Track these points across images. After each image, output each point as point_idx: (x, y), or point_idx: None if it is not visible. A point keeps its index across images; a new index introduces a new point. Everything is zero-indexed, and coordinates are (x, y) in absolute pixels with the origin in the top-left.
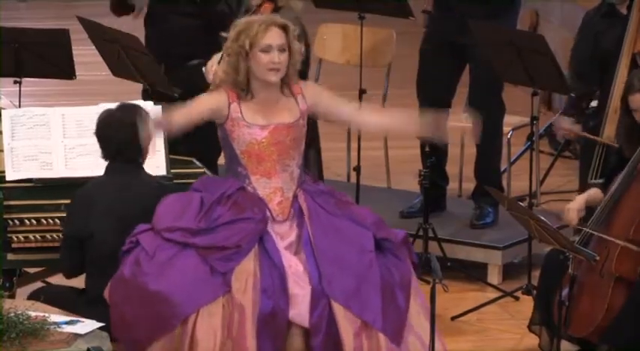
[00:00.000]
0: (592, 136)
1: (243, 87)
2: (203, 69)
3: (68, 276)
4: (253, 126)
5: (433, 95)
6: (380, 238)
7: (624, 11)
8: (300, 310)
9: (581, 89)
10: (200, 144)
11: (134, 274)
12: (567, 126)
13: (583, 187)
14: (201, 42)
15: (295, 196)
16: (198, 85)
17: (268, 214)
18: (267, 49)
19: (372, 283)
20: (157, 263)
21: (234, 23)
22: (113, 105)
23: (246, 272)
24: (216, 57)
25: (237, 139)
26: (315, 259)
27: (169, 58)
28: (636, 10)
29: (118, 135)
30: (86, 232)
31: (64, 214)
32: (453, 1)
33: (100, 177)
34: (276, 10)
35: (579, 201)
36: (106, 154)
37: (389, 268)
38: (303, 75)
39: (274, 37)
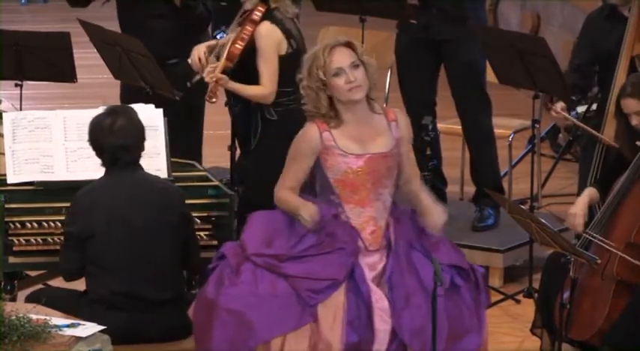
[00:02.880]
0: (582, 125)
1: (330, 116)
2: (189, 60)
3: (68, 278)
4: (349, 155)
5: (416, 95)
6: (457, 281)
7: (626, 13)
8: (380, 345)
9: (575, 81)
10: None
11: (217, 293)
12: (561, 109)
13: (582, 190)
14: (179, 43)
15: (387, 225)
16: (175, 84)
17: (360, 244)
18: (339, 73)
19: (439, 326)
20: (240, 283)
21: (303, 59)
22: (101, 110)
23: (334, 305)
24: (200, 46)
25: (331, 167)
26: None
27: None
28: (634, 13)
29: (111, 142)
30: (88, 232)
31: (65, 216)
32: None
33: (100, 179)
34: (269, 10)
35: (581, 205)
36: (103, 161)
37: (461, 310)
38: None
39: (342, 58)
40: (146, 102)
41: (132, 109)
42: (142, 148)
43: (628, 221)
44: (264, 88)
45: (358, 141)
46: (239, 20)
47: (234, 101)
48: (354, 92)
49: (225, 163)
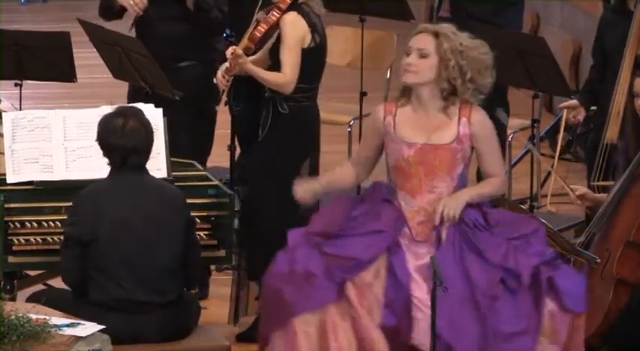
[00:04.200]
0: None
1: (402, 94)
2: (214, 80)
3: (69, 279)
4: (401, 142)
5: None
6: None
7: (632, 7)
8: (419, 334)
9: (593, 77)
10: (191, 146)
11: (268, 273)
12: (569, 106)
13: (589, 189)
14: (192, 46)
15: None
16: (185, 87)
17: (407, 231)
18: (408, 52)
19: (482, 328)
20: (282, 262)
21: None
22: (111, 109)
23: (363, 285)
24: (224, 65)
25: (390, 153)
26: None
27: (158, 60)
28: (639, 11)
29: (121, 143)
30: (91, 236)
31: (66, 216)
32: (460, 1)
33: (105, 179)
34: (297, 2)
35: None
36: (112, 163)
37: (509, 312)
38: (318, 74)
39: (419, 40)
40: (151, 102)
41: (142, 110)
42: (149, 153)
43: (628, 220)
44: (284, 76)
45: (416, 129)
46: (266, 9)
47: (236, 102)
48: (405, 75)
49: (225, 163)
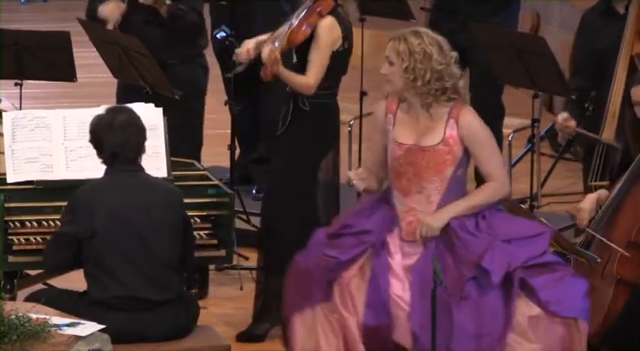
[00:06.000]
0: (586, 133)
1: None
2: (236, 50)
3: (52, 273)
4: (394, 142)
5: None
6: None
7: (621, 10)
8: (401, 332)
9: (579, 85)
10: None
11: (288, 271)
12: (562, 121)
13: (587, 189)
14: (174, 47)
15: None
16: (173, 86)
17: (397, 230)
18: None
19: (449, 326)
20: (301, 260)
21: None
22: (102, 109)
23: (349, 284)
24: (250, 41)
25: (389, 151)
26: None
27: None
28: (633, 12)
29: (110, 138)
30: (88, 233)
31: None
32: (454, 2)
33: (100, 178)
34: (335, 5)
35: (590, 200)
36: (103, 159)
37: (475, 312)
38: (342, 74)
39: (387, 49)
40: (146, 102)
41: (131, 107)
42: (141, 147)
43: (629, 220)
44: (308, 79)
45: (409, 129)
46: (307, 6)
47: (236, 102)
48: (384, 84)
49: (225, 163)
